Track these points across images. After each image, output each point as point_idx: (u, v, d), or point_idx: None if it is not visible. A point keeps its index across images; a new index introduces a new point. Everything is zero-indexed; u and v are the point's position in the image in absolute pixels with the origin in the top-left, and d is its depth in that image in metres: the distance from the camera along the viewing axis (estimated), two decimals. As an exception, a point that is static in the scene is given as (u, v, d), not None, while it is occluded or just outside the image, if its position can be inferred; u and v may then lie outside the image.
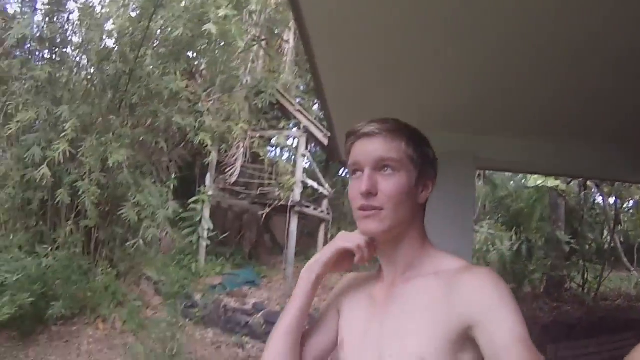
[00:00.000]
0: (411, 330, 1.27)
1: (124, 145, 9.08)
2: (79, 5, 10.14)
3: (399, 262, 1.39)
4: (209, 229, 13.11)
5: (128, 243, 9.86)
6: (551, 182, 12.96)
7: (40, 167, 8.40)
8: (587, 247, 13.54)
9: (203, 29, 9.58)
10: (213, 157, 11.77)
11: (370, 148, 1.35)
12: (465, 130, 3.96)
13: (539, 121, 3.73)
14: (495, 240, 13.22)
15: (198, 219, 12.81)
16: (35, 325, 8.37)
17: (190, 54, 12.11)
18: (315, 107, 18.89)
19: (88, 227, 9.45)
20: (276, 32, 15.59)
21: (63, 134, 8.57)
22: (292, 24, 14.16)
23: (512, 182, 16.68)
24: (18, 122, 8.66)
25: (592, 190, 14.42)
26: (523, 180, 16.15)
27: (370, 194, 1.32)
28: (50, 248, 8.92)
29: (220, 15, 9.81)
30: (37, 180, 8.50)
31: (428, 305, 1.27)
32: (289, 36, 15.39)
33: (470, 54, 2.59)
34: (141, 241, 9.63)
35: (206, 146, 11.07)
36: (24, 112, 8.78)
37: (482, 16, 2.19)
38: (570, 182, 13.61)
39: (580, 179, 12.71)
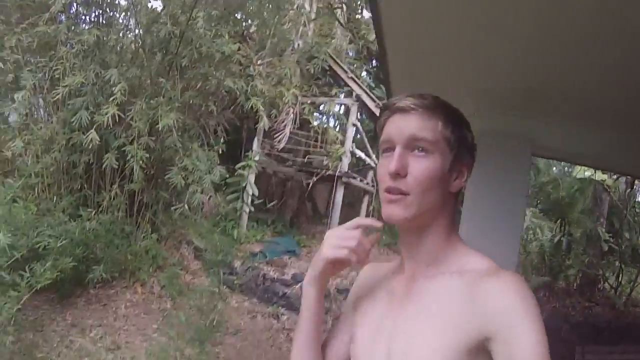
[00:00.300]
0: (425, 333, 1.19)
1: (173, 109, 8.87)
2: None
3: (421, 255, 1.30)
4: (253, 195, 13.01)
5: (173, 207, 9.75)
6: (598, 176, 12.58)
7: (89, 132, 8.24)
8: (624, 247, 13.22)
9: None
10: (265, 122, 11.44)
11: (404, 124, 1.25)
12: (524, 114, 3.80)
13: (603, 112, 3.54)
14: (537, 229, 12.99)
15: (244, 184, 12.74)
16: (74, 288, 8.38)
17: (239, 16, 11.89)
18: (364, 74, 18.49)
19: (132, 191, 9.33)
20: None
21: (112, 98, 8.38)
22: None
23: (554, 169, 16.22)
24: (66, 86, 8.45)
25: (635, 189, 13.88)
26: (566, 168, 15.73)
27: (398, 175, 1.22)
28: (94, 212, 8.84)
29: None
30: (84, 144, 8.37)
31: (447, 307, 1.18)
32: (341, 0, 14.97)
33: (539, 34, 2.46)
34: (186, 206, 9.48)
35: (256, 111, 10.83)
36: (72, 76, 8.58)
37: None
38: (618, 177, 13.14)
39: (629, 177, 12.21)
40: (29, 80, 8.43)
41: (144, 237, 9.69)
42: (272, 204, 13.98)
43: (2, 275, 6.46)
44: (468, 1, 2.28)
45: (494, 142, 3.75)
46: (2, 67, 8.85)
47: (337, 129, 16.44)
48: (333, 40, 14.68)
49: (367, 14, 18.42)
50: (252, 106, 10.54)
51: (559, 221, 13.64)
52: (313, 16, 13.81)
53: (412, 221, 1.25)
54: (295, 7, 12.23)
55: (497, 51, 2.82)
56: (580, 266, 12.73)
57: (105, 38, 9.45)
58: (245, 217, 13.32)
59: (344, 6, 15.21)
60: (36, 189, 9.04)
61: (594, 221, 13.01)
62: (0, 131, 9.37)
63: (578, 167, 14.00)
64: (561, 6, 2.11)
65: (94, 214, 8.77)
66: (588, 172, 13.35)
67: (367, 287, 1.45)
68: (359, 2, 17.51)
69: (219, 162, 10.15)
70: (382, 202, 1.27)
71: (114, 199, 9.22)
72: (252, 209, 13.26)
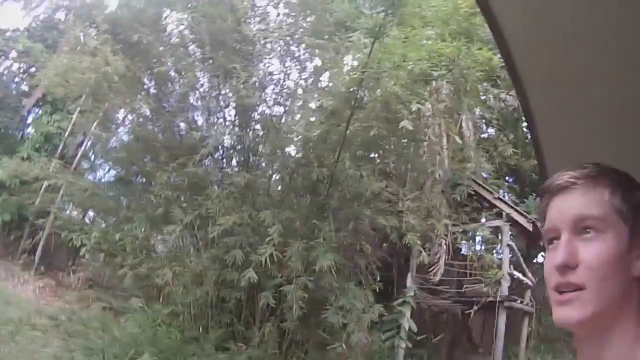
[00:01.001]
0: None
1: (329, 250, 9.05)
2: (266, 116, 11.08)
3: None
4: (410, 331, 12.51)
5: (329, 346, 9.75)
6: None
7: (246, 270, 8.65)
8: None
9: (400, 126, 9.34)
10: (424, 257, 11.24)
11: (566, 205, 1.02)
12: None
13: None
14: None
15: (401, 321, 12.47)
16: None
17: (377, 154, 12.23)
18: (501, 191, 17.91)
19: (283, 328, 9.61)
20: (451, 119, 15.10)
21: (268, 239, 8.76)
22: (465, 107, 13.71)
23: None
24: (220, 225, 9.06)
25: None
26: None
27: (567, 267, 0.97)
28: (244, 346, 9.16)
29: (413, 109, 9.61)
30: (236, 281, 8.83)
31: None
32: (467, 119, 14.76)
33: None
34: (344, 345, 9.52)
35: (409, 246, 10.77)
36: (225, 216, 9.21)
37: None
38: None
39: None
40: (179, 216, 9.26)
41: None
42: (437, 338, 13.38)
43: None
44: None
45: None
46: (153, 201, 9.58)
47: (491, 252, 15.72)
48: (469, 165, 14.35)
49: (491, 130, 18.29)
50: (407, 242, 10.48)
51: None
52: (445, 144, 13.70)
53: (592, 323, 0.97)
54: (427, 137, 12.22)
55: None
56: None
57: (255, 180, 9.98)
58: (401, 353, 12.77)
59: (471, 127, 14.97)
60: (181, 317, 9.66)
61: None
62: (152, 260, 10.13)
63: None
64: None
65: (245, 349, 9.07)
66: None
67: None
68: (482, 120, 17.35)
69: (374, 300, 10.15)
70: (552, 304, 1.02)
71: (265, 335, 9.43)
72: (410, 345, 12.67)
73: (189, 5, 11.76)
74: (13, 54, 21.40)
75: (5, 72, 22.08)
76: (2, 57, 21.89)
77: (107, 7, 15.07)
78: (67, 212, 16.03)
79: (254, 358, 8.94)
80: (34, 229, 15.53)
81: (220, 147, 11.18)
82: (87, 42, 14.15)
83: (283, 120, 11.41)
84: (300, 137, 10.80)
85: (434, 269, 12.81)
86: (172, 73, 12.33)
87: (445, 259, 13.07)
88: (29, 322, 10.61)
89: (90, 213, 15.88)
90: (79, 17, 18.74)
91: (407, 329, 12.54)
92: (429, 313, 15.20)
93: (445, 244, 12.92)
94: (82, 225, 14.01)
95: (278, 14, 12.06)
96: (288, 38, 11.67)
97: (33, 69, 19.21)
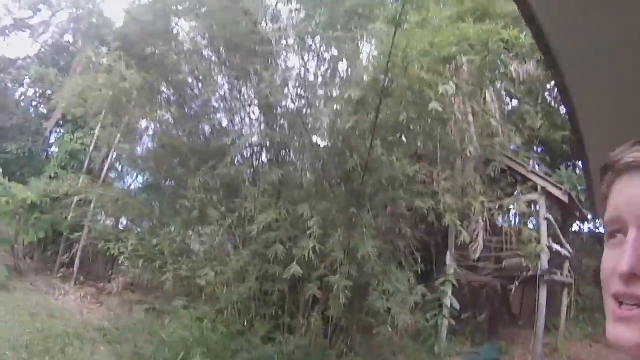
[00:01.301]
0: None
1: (370, 236, 9.10)
2: (292, 111, 11.20)
3: None
4: (452, 308, 12.59)
5: (375, 330, 9.80)
6: None
7: (290, 265, 8.71)
8: None
9: (429, 109, 9.27)
10: (464, 237, 11.17)
11: (637, 192, 0.79)
12: None
13: None
14: None
15: (444, 300, 12.55)
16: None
17: (404, 136, 12.14)
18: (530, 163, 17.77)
19: (327, 315, 9.70)
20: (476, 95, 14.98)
21: (309, 232, 8.81)
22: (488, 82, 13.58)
23: None
24: (259, 223, 9.14)
25: None
26: None
27: (634, 275, 0.75)
28: (291, 336, 9.34)
29: (440, 92, 9.58)
30: (277, 274, 8.99)
31: None
32: (491, 94, 14.64)
33: None
34: (389, 328, 9.59)
35: (447, 226, 10.97)
36: (263, 214, 9.29)
37: None
38: None
39: None
40: (215, 217, 9.56)
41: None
42: (474, 316, 13.33)
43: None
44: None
45: None
46: (187, 205, 9.68)
47: (527, 225, 15.61)
48: (498, 139, 14.22)
49: (515, 102, 18.12)
50: (447, 223, 10.61)
51: None
52: (472, 120, 13.60)
53: None
54: (453, 115, 12.13)
55: None
56: None
57: (288, 176, 10.06)
58: (444, 331, 12.86)
59: (495, 101, 14.85)
60: (226, 313, 9.84)
61: None
62: (192, 261, 10.47)
63: None
64: None
65: (291, 339, 9.27)
66: None
67: None
68: (506, 93, 17.18)
69: (416, 281, 10.27)
70: (607, 315, 0.82)
71: (311, 324, 9.58)
72: (453, 322, 12.68)
73: (197, 13, 11.83)
74: (27, 80, 21.77)
75: (22, 97, 22.48)
76: (17, 85, 22.28)
77: (114, 24, 15.25)
78: (101, 222, 16.24)
79: (302, 347, 9.06)
80: (70, 243, 15.73)
81: (248, 146, 11.23)
82: (99, 60, 14.38)
83: (310, 112, 11.40)
84: (330, 128, 10.84)
85: (473, 247, 12.79)
86: (190, 79, 12.46)
87: (483, 236, 13.05)
88: (75, 333, 10.77)
89: (124, 221, 16.05)
90: (88, 37, 19.14)
91: (449, 306, 12.61)
92: (469, 288, 15.10)
93: (483, 220, 12.91)
94: (117, 233, 14.18)
95: (290, 11, 12.06)
96: (304, 33, 11.71)
97: (49, 92, 19.49)
